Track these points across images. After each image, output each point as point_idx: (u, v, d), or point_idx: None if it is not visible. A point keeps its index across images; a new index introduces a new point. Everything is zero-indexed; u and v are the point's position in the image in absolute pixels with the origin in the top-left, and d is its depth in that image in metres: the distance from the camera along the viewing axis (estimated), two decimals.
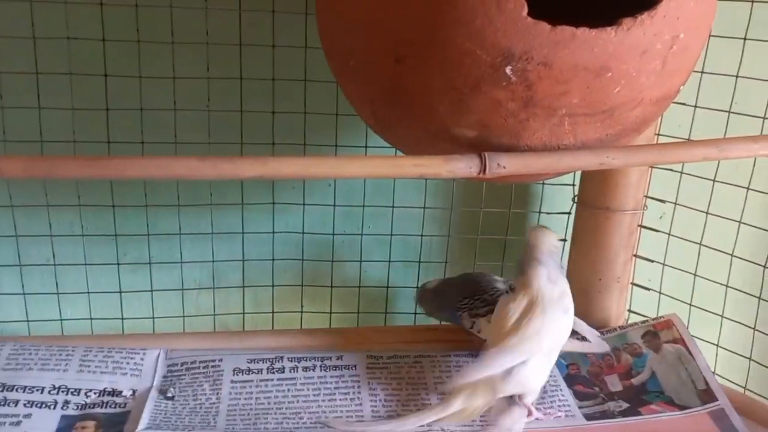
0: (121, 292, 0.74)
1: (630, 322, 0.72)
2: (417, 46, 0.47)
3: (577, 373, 0.66)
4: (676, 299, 0.72)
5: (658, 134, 0.71)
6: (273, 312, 0.77)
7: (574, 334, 0.66)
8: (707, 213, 0.71)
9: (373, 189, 0.76)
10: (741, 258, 0.70)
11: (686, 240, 0.72)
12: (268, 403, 0.62)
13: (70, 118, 0.68)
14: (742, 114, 0.68)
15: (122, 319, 0.74)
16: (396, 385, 0.64)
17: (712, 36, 0.63)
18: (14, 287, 0.73)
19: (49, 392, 0.61)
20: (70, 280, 0.74)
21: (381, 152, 0.68)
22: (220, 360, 0.65)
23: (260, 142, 0.71)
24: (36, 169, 0.46)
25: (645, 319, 0.69)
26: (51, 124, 0.68)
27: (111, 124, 0.68)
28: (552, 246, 0.60)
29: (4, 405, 0.59)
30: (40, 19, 0.65)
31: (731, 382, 0.68)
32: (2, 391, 0.60)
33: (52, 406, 0.60)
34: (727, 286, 0.70)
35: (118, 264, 0.74)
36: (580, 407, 0.62)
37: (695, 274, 0.72)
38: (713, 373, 0.66)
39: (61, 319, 0.74)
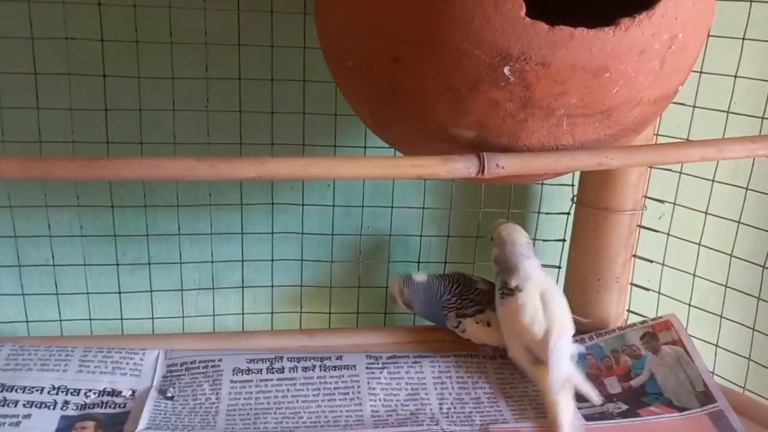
0: (120, 292, 0.74)
1: (629, 322, 0.71)
2: (415, 47, 0.47)
3: None
4: (676, 299, 0.72)
5: (657, 134, 0.71)
6: (272, 312, 0.77)
7: None
8: (706, 213, 0.71)
9: (372, 189, 0.76)
10: (740, 258, 0.69)
11: (685, 240, 0.72)
12: (268, 403, 0.62)
13: (69, 119, 0.68)
14: (741, 114, 0.68)
15: (121, 319, 0.74)
16: (396, 386, 0.64)
17: (711, 36, 0.63)
18: (13, 288, 0.73)
19: (48, 392, 0.61)
20: (70, 281, 0.74)
21: (380, 153, 0.68)
22: (220, 360, 0.65)
23: (259, 143, 0.71)
24: (33, 170, 0.46)
25: (643, 319, 0.69)
26: (49, 125, 0.68)
27: (110, 124, 0.68)
28: (526, 239, 0.66)
29: (3, 405, 0.59)
30: (38, 20, 0.65)
31: (730, 382, 0.68)
32: (2, 391, 0.60)
33: (51, 407, 0.60)
34: (726, 286, 0.70)
35: (118, 264, 0.74)
36: (579, 408, 0.62)
37: (694, 275, 0.72)
38: (712, 373, 0.66)
39: (61, 320, 0.74)
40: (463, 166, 0.48)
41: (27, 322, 0.73)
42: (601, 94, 0.47)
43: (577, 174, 0.73)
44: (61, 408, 0.60)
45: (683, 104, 0.69)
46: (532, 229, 0.79)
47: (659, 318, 0.68)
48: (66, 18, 0.66)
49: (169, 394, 0.62)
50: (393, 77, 0.49)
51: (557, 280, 0.78)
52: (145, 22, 0.67)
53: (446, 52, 0.46)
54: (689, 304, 0.72)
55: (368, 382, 0.64)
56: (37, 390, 0.61)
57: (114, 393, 0.62)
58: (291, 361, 0.66)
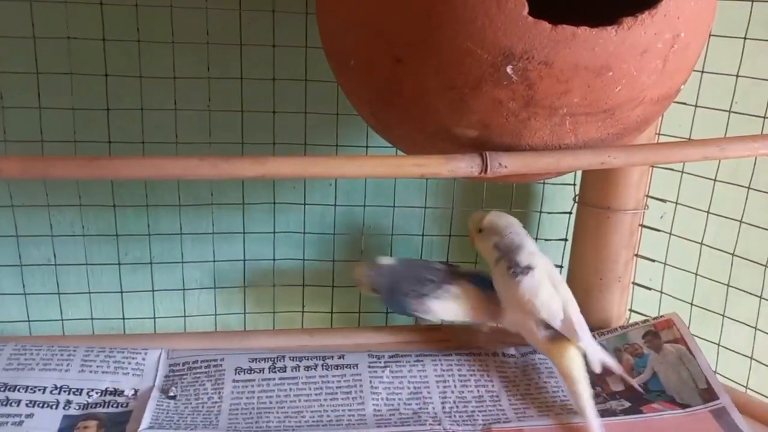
0: (122, 292, 0.74)
1: (631, 321, 0.71)
2: (417, 46, 0.47)
3: None
4: (678, 299, 0.72)
5: (659, 134, 0.71)
6: (274, 312, 0.77)
7: None
8: (708, 212, 0.71)
9: (374, 189, 0.76)
10: (742, 257, 0.69)
11: (687, 239, 0.72)
12: (270, 402, 0.62)
13: (71, 118, 0.68)
14: (743, 113, 0.68)
15: (123, 319, 0.74)
16: (398, 384, 0.64)
17: (712, 35, 0.63)
18: (15, 287, 0.73)
19: (50, 392, 0.61)
20: (71, 280, 0.74)
21: (381, 152, 0.68)
22: (222, 359, 0.65)
23: (261, 142, 0.71)
24: (34, 170, 0.46)
25: (645, 318, 0.69)
26: (51, 124, 0.68)
27: (111, 124, 0.68)
28: (517, 224, 0.66)
29: (6, 405, 0.59)
30: (40, 19, 0.65)
31: (732, 381, 0.68)
32: (4, 391, 0.60)
33: (54, 406, 0.60)
34: (728, 285, 0.70)
35: (119, 264, 0.74)
36: None
37: (696, 274, 0.72)
38: (714, 372, 0.66)
39: (62, 319, 0.74)
40: (465, 166, 0.48)
41: (29, 321, 0.73)
42: (604, 94, 0.47)
43: (579, 173, 0.73)
44: (64, 407, 0.60)
45: (685, 104, 0.69)
46: (534, 229, 0.79)
47: (661, 317, 0.68)
48: (67, 17, 0.66)
49: (171, 394, 0.62)
50: (395, 77, 0.49)
51: None
52: (147, 22, 0.67)
53: (448, 51, 0.46)
54: (691, 303, 0.72)
55: (370, 381, 0.64)
56: (39, 389, 0.61)
57: (116, 392, 0.62)
58: (293, 360, 0.66)
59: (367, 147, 0.72)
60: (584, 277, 0.73)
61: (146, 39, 0.67)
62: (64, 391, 0.61)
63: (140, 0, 0.66)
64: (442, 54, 0.47)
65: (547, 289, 0.62)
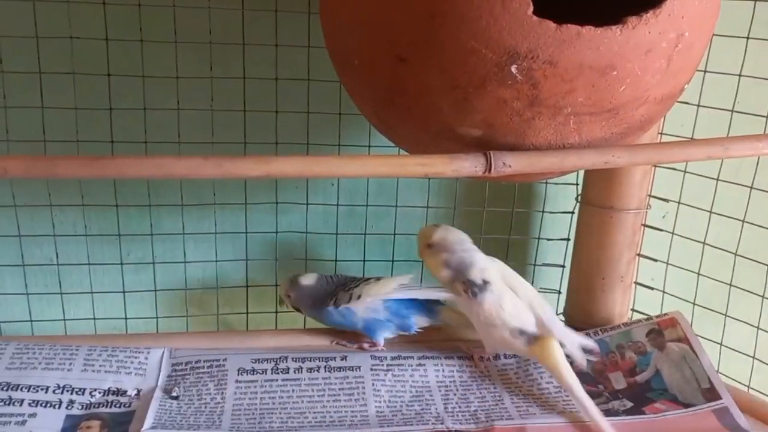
0: (124, 291, 0.74)
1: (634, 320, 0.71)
2: (421, 45, 0.47)
3: (580, 371, 0.66)
4: (680, 298, 0.72)
5: (662, 133, 0.71)
6: (276, 312, 0.77)
7: None
8: (711, 212, 0.71)
9: (376, 188, 0.76)
10: (745, 257, 0.69)
11: (690, 239, 0.72)
12: (273, 403, 0.62)
13: (73, 118, 0.68)
14: (745, 113, 0.68)
15: (125, 318, 0.74)
16: (400, 388, 0.64)
17: (715, 35, 0.63)
18: (17, 287, 0.73)
19: (53, 392, 0.60)
20: (74, 280, 0.74)
21: (384, 152, 0.68)
22: (225, 360, 0.65)
23: (263, 142, 0.71)
24: (38, 169, 0.46)
25: (649, 316, 0.69)
26: (54, 124, 0.68)
27: (114, 123, 0.68)
28: (467, 240, 0.65)
29: (8, 404, 0.59)
30: (42, 19, 0.65)
31: (735, 380, 0.68)
32: (7, 390, 0.60)
33: (56, 406, 0.59)
34: (730, 284, 0.70)
35: (122, 264, 0.74)
36: None
37: (699, 273, 0.72)
38: (716, 371, 0.66)
39: (65, 319, 0.74)
40: (469, 165, 0.48)
41: (31, 321, 0.73)
42: (608, 93, 0.47)
43: (582, 173, 0.73)
44: (66, 407, 0.59)
45: (687, 103, 0.69)
46: (536, 228, 0.79)
47: (665, 315, 0.68)
48: (70, 17, 0.66)
49: (174, 394, 0.62)
50: (398, 76, 0.49)
51: (561, 280, 0.78)
52: (150, 22, 0.67)
53: (452, 50, 0.46)
54: (693, 303, 0.72)
55: (373, 384, 0.64)
56: (42, 389, 0.61)
57: (119, 392, 0.61)
58: (296, 361, 0.66)
59: (369, 146, 0.72)
60: (586, 276, 0.73)
61: (149, 38, 0.67)
62: (67, 391, 0.61)
63: (143, 0, 0.66)
64: (446, 53, 0.47)
65: (510, 299, 0.62)
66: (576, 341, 0.62)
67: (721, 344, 0.71)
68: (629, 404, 0.62)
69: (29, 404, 0.59)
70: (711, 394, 0.62)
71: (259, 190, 0.74)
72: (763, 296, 0.69)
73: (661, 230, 0.73)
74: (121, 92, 0.68)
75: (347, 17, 0.51)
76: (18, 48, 0.66)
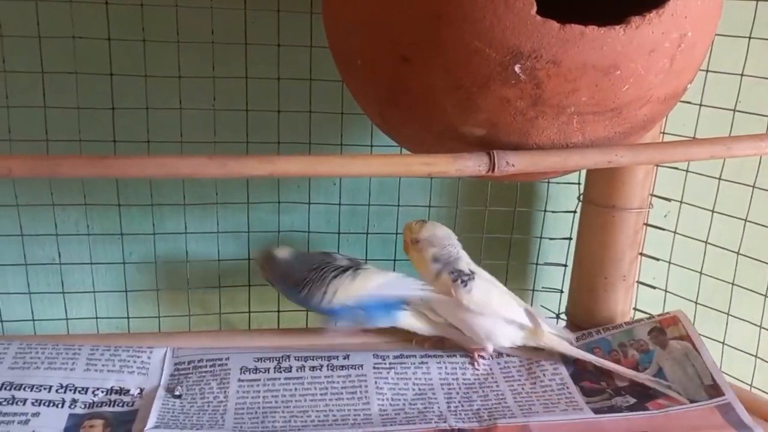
0: (126, 291, 0.74)
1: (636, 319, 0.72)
2: (424, 45, 0.47)
3: (583, 368, 0.66)
4: (682, 297, 0.72)
5: (664, 132, 0.71)
6: (278, 311, 0.77)
7: None
8: (713, 211, 0.71)
9: (378, 188, 0.76)
10: (747, 256, 0.70)
11: (692, 238, 0.72)
12: (276, 402, 0.62)
13: (76, 117, 0.68)
14: (747, 113, 0.68)
15: (128, 318, 0.74)
16: (403, 386, 0.64)
17: (717, 35, 0.63)
18: (20, 286, 0.73)
19: (56, 391, 0.61)
20: (76, 279, 0.74)
21: (386, 151, 0.68)
22: (227, 359, 0.65)
23: (265, 141, 0.71)
24: (41, 169, 0.46)
25: (650, 315, 0.69)
26: (56, 124, 0.68)
27: (116, 123, 0.68)
28: (453, 235, 0.67)
29: (12, 404, 0.59)
30: (45, 18, 0.65)
31: (737, 379, 0.68)
32: (10, 389, 0.60)
33: (59, 405, 0.59)
34: (733, 284, 0.70)
35: (124, 263, 0.74)
36: (587, 403, 0.62)
37: (701, 272, 0.72)
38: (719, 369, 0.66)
39: (67, 318, 0.74)
40: (473, 164, 0.48)
41: (33, 320, 0.73)
42: (612, 92, 0.47)
43: (584, 172, 0.73)
44: (69, 406, 0.60)
45: (689, 103, 0.69)
46: (538, 227, 0.79)
47: (666, 314, 0.68)
48: (73, 17, 0.66)
49: (177, 393, 0.62)
50: (402, 76, 0.49)
51: (563, 279, 0.78)
52: (152, 21, 0.67)
53: (456, 50, 0.46)
54: (696, 302, 0.72)
55: (375, 382, 0.64)
56: (45, 389, 0.61)
57: (122, 391, 0.62)
58: (298, 360, 0.66)
59: (371, 146, 0.72)
60: (589, 275, 0.73)
61: (151, 38, 0.67)
62: (70, 390, 0.61)
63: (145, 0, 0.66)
64: (450, 53, 0.47)
65: (497, 288, 0.66)
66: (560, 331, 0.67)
67: (723, 343, 0.71)
68: (632, 400, 0.62)
69: (32, 403, 0.59)
70: (714, 390, 0.62)
71: (262, 190, 0.74)
72: (765, 295, 0.69)
73: (664, 229, 0.73)
74: (124, 92, 0.68)
75: (350, 17, 0.51)
76: (20, 48, 0.66)
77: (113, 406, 0.60)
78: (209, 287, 0.76)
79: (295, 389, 0.63)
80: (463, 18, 0.45)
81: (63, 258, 0.72)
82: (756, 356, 0.70)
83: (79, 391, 0.61)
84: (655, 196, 0.72)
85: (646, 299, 0.75)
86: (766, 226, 0.69)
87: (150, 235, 0.73)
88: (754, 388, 0.69)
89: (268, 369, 0.65)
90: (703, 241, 0.71)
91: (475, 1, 0.45)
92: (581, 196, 0.73)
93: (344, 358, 0.67)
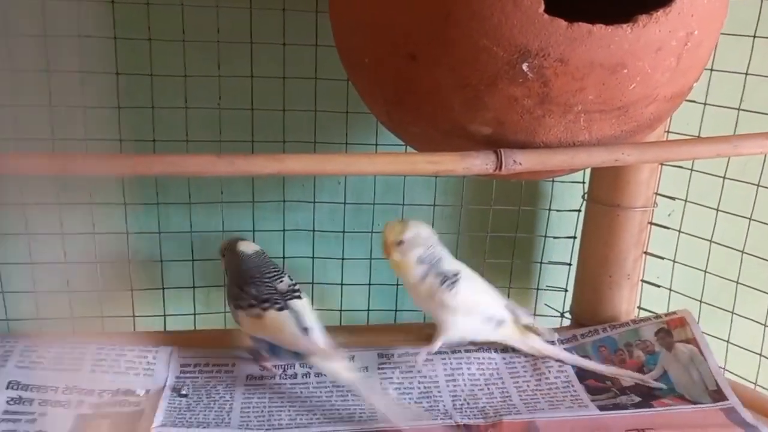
0: (132, 289, 0.74)
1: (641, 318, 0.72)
2: (432, 43, 0.47)
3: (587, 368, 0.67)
4: (687, 296, 0.73)
5: (668, 132, 0.71)
6: None
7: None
8: (717, 210, 0.71)
9: (383, 186, 0.76)
10: (751, 254, 0.70)
11: (696, 237, 0.72)
12: (282, 402, 0.62)
13: (81, 116, 0.68)
14: (751, 111, 0.68)
15: (133, 317, 0.74)
16: (408, 385, 0.64)
17: (721, 34, 0.63)
18: (26, 285, 0.73)
19: (62, 392, 0.61)
20: (82, 279, 0.74)
21: (391, 150, 0.68)
22: (233, 365, 0.66)
23: (271, 140, 0.71)
24: (53, 167, 0.46)
25: (657, 314, 0.70)
26: (62, 122, 0.68)
27: (122, 122, 0.69)
28: (434, 233, 0.65)
29: (19, 403, 0.59)
30: (51, 18, 0.65)
31: (741, 378, 0.68)
32: (17, 389, 0.60)
33: (66, 405, 0.60)
34: (737, 282, 0.70)
35: (130, 262, 0.74)
36: (592, 400, 0.62)
37: (706, 271, 0.72)
38: (723, 369, 0.66)
39: (72, 318, 0.74)
40: (480, 163, 0.48)
41: (38, 319, 0.73)
42: (619, 91, 0.48)
43: (588, 171, 0.73)
44: (76, 407, 0.60)
45: (694, 101, 0.69)
46: (543, 226, 0.79)
47: (673, 313, 0.68)
48: (79, 16, 0.66)
49: (183, 392, 0.62)
50: (409, 74, 0.49)
51: (567, 278, 0.78)
52: (158, 20, 0.67)
53: (464, 49, 0.46)
54: (700, 301, 0.72)
55: (381, 382, 0.64)
56: (52, 389, 0.61)
57: (128, 393, 0.62)
58: (303, 366, 0.66)
59: (376, 145, 0.72)
60: (593, 274, 0.73)
61: (157, 37, 0.67)
62: (76, 391, 0.61)
63: None
64: (458, 51, 0.47)
65: (482, 285, 0.66)
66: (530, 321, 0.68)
67: (728, 342, 0.71)
68: (637, 399, 0.62)
69: (39, 403, 0.59)
70: (718, 395, 0.62)
71: (267, 189, 0.74)
72: None
73: (668, 228, 0.73)
74: (129, 91, 0.68)
75: (357, 16, 0.52)
76: (27, 47, 0.66)
77: (119, 406, 0.61)
78: (214, 286, 0.76)
79: (301, 392, 0.64)
80: (470, 16, 0.45)
81: (69, 257, 0.72)
82: (761, 355, 0.70)
83: (86, 393, 0.61)
84: (660, 194, 0.72)
85: (650, 298, 0.75)
86: None
87: (155, 233, 0.73)
88: (759, 386, 0.69)
89: (274, 376, 0.65)
90: (707, 240, 0.71)
91: None
92: (586, 195, 0.73)
93: (350, 360, 0.67)
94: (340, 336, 0.70)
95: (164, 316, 0.75)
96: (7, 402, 0.59)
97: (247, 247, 0.65)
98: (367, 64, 0.53)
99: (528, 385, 0.65)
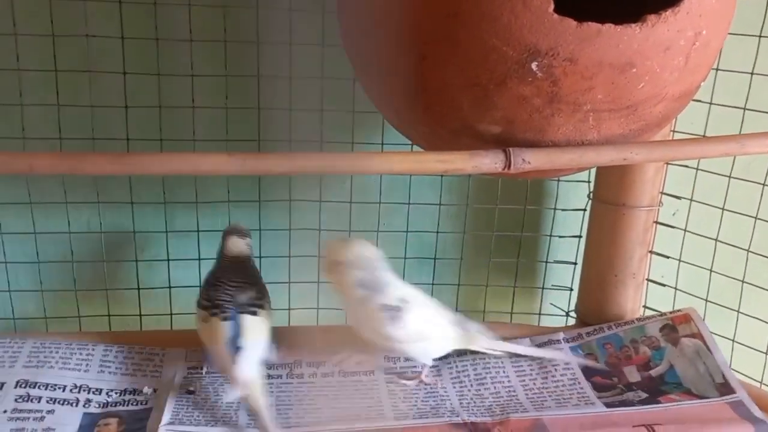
0: (139, 288, 0.74)
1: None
2: (442, 43, 0.47)
3: (592, 366, 0.67)
4: (692, 295, 0.73)
5: (674, 131, 0.71)
6: (289, 309, 0.77)
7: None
8: (723, 209, 0.71)
9: (388, 186, 0.76)
10: (757, 254, 0.70)
11: (702, 236, 0.72)
12: (289, 401, 0.62)
13: (89, 116, 0.68)
14: (757, 111, 0.68)
15: (140, 315, 0.75)
16: (414, 387, 0.64)
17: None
18: (33, 284, 0.73)
19: (70, 390, 0.61)
20: (88, 277, 0.74)
21: (397, 149, 0.69)
22: None
23: (277, 139, 0.71)
24: (65, 166, 0.46)
25: (662, 312, 0.70)
26: (70, 122, 0.68)
27: (129, 121, 0.69)
28: (382, 256, 0.60)
29: (27, 401, 0.59)
30: (58, 17, 0.66)
31: (747, 377, 0.68)
32: (25, 387, 0.60)
33: (74, 404, 0.60)
34: (743, 281, 0.70)
35: (137, 261, 0.74)
36: (599, 397, 0.63)
37: (711, 270, 0.72)
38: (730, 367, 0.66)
39: (79, 316, 0.74)
40: (489, 161, 0.49)
41: (45, 318, 0.74)
42: (627, 90, 0.48)
43: (594, 170, 0.73)
44: (84, 405, 0.60)
45: (699, 101, 0.69)
46: (548, 225, 0.79)
47: (678, 311, 0.68)
48: (86, 15, 0.66)
49: (191, 389, 0.62)
50: (419, 74, 0.50)
51: (572, 277, 0.79)
52: (165, 20, 0.67)
53: (473, 48, 0.47)
54: (706, 300, 0.72)
55: (387, 385, 0.64)
56: (59, 387, 0.61)
57: (135, 392, 0.62)
58: (311, 366, 0.66)
59: (382, 144, 0.72)
60: (598, 273, 0.73)
61: (164, 37, 0.67)
62: (84, 390, 0.61)
63: None
64: (467, 51, 0.47)
65: (429, 311, 0.62)
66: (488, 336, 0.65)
67: (733, 340, 0.71)
68: (644, 395, 0.62)
69: (47, 401, 0.60)
70: (725, 388, 0.62)
71: (273, 188, 0.74)
72: None
73: (674, 227, 0.73)
74: (137, 90, 0.68)
75: (367, 16, 0.52)
76: (34, 46, 0.66)
77: (127, 405, 0.61)
78: None
79: (308, 392, 0.64)
80: (480, 16, 0.46)
81: (75, 256, 0.73)
82: (767, 354, 0.70)
83: (93, 392, 0.61)
84: (665, 194, 0.73)
85: (656, 297, 0.75)
86: None
87: (162, 233, 0.73)
88: (765, 385, 0.69)
89: (281, 375, 0.65)
90: (713, 239, 0.72)
91: None
92: (591, 194, 0.73)
93: (356, 363, 0.67)
94: (345, 336, 0.70)
95: (171, 315, 0.75)
96: (15, 400, 0.59)
97: (234, 246, 0.63)
98: (376, 64, 0.53)
99: (534, 384, 0.65)
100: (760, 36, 0.68)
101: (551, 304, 0.80)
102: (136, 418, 0.59)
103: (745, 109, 0.69)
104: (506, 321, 0.78)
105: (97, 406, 0.60)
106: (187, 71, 0.68)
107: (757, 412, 0.59)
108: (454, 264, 0.78)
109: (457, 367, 0.67)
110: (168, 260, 0.74)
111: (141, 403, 0.61)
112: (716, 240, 0.71)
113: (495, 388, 0.64)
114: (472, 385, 0.65)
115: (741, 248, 0.70)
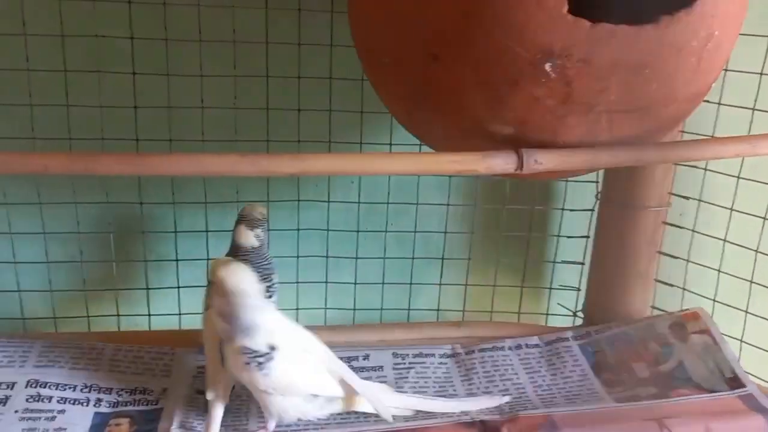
0: (147, 288, 0.74)
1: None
2: (455, 43, 0.48)
3: (603, 361, 0.67)
4: (700, 295, 0.73)
5: (682, 132, 0.71)
6: (297, 309, 0.77)
7: None
8: (731, 209, 0.71)
9: (396, 186, 0.76)
10: (765, 253, 0.70)
11: (710, 236, 0.72)
12: None
13: (98, 116, 0.68)
14: (765, 111, 0.68)
15: (149, 315, 0.75)
16: (423, 383, 0.65)
17: None
18: (42, 284, 0.73)
19: (81, 390, 0.61)
20: (97, 277, 0.74)
21: (406, 149, 0.69)
22: None
23: (286, 140, 0.71)
24: (78, 166, 0.46)
25: (671, 311, 0.70)
26: (79, 122, 0.68)
27: (138, 121, 0.69)
28: (257, 283, 0.52)
29: (38, 400, 0.59)
30: (68, 17, 0.66)
31: (755, 376, 0.68)
32: (36, 387, 0.60)
33: (84, 404, 0.60)
34: (751, 281, 0.70)
35: (146, 261, 0.74)
36: (609, 392, 0.63)
37: (719, 270, 0.72)
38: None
39: (88, 316, 0.74)
40: (502, 162, 0.49)
41: (55, 318, 0.74)
42: (641, 91, 0.48)
43: (602, 170, 0.73)
44: (95, 405, 0.60)
45: (708, 101, 0.69)
46: (556, 226, 0.79)
47: (687, 309, 0.68)
48: (96, 16, 0.66)
49: (201, 389, 0.62)
50: (431, 74, 0.50)
51: (580, 277, 0.79)
52: (174, 20, 0.67)
53: (486, 48, 0.47)
54: (714, 300, 0.72)
55: (396, 381, 0.64)
56: (69, 387, 0.61)
57: (146, 391, 0.62)
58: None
59: (391, 144, 0.72)
60: (607, 274, 0.73)
61: (173, 38, 0.67)
62: (95, 390, 0.61)
63: None
64: (480, 51, 0.47)
65: (304, 364, 0.54)
66: (377, 395, 0.58)
67: (741, 341, 0.71)
68: (654, 390, 0.63)
69: (58, 401, 0.60)
70: (735, 382, 0.62)
71: (281, 188, 0.74)
72: None
73: (682, 228, 0.73)
74: (146, 90, 0.68)
75: (378, 15, 0.52)
76: (44, 46, 0.66)
77: (138, 405, 0.61)
78: None
79: None
80: (493, 16, 0.46)
81: (84, 255, 0.73)
82: None
83: (104, 391, 0.61)
84: (673, 194, 0.73)
85: (664, 297, 0.75)
86: None
87: (171, 233, 0.73)
88: None
89: None
90: (721, 239, 0.72)
91: None
92: (599, 195, 0.73)
93: (364, 359, 0.67)
94: (353, 334, 0.71)
95: (179, 314, 0.75)
96: (27, 400, 0.59)
97: (241, 237, 0.61)
98: (388, 64, 0.53)
99: (543, 380, 0.65)
100: None
101: (559, 304, 0.80)
102: (147, 418, 0.59)
103: (754, 109, 0.69)
104: (514, 321, 0.78)
105: (107, 405, 0.60)
106: (195, 71, 0.68)
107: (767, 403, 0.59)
108: (462, 264, 0.78)
109: (465, 364, 0.67)
110: (177, 260, 0.74)
111: (151, 403, 0.61)
112: (724, 240, 0.72)
113: (504, 384, 0.64)
114: (481, 383, 0.65)
115: (749, 248, 0.70)
